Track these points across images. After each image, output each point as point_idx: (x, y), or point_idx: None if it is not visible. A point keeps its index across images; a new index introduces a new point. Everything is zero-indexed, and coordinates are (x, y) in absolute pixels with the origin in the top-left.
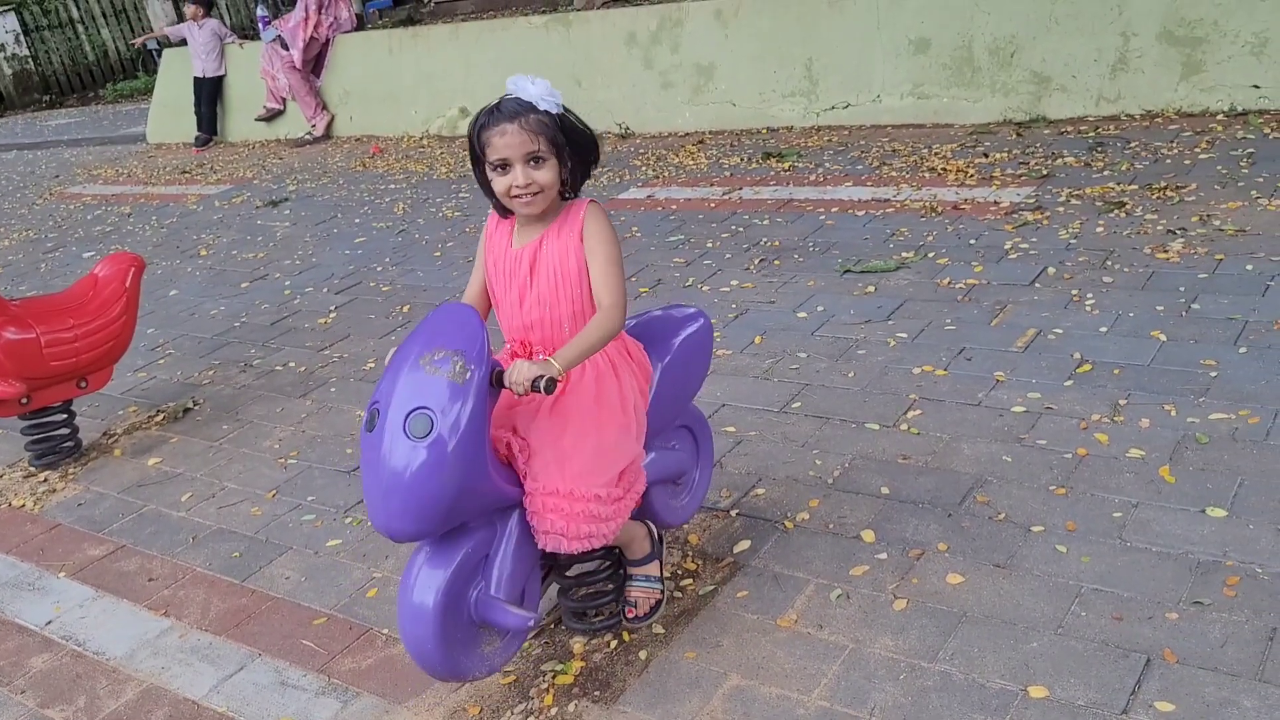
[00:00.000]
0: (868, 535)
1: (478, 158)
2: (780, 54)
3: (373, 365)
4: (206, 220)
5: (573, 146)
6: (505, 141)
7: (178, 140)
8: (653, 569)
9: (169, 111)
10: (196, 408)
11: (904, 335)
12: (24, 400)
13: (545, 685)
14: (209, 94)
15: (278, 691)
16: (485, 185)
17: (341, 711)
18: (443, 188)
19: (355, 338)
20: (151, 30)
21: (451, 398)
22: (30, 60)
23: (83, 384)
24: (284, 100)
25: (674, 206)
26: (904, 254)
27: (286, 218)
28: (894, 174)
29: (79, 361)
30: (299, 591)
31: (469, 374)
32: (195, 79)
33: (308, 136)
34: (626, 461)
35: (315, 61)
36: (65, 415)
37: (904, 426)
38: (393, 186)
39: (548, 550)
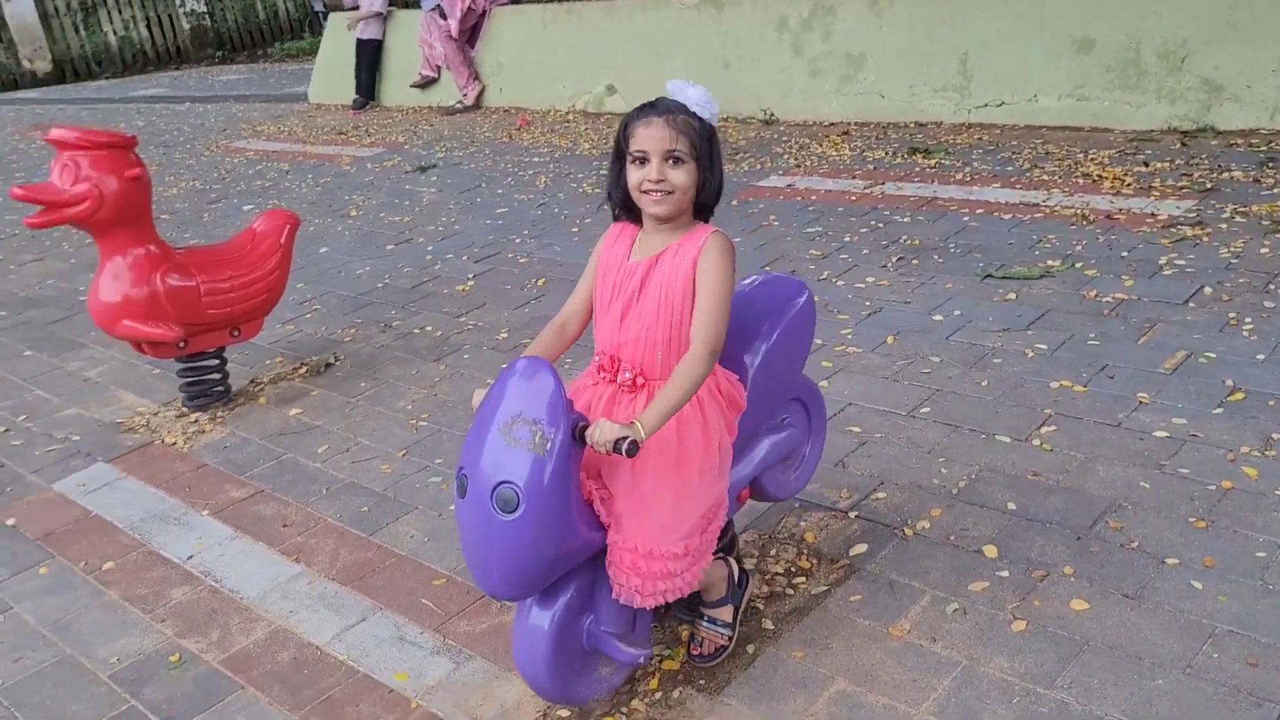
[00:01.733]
0: (990, 551)
1: (620, 153)
2: (934, 47)
3: (505, 335)
4: (358, 181)
5: (714, 161)
6: (649, 134)
7: (337, 102)
8: (725, 613)
9: (330, 73)
10: (337, 364)
11: (1043, 347)
12: (181, 344)
13: (652, 669)
14: (369, 58)
15: (395, 646)
16: (614, 183)
17: (454, 672)
18: (584, 164)
19: (491, 306)
20: None
21: (533, 470)
22: (207, 17)
23: (235, 333)
24: (438, 69)
25: (814, 197)
26: (1050, 262)
27: (433, 184)
28: (1045, 178)
29: (233, 311)
30: (421, 551)
31: (549, 443)
32: (357, 42)
33: (458, 105)
34: (708, 505)
35: (471, 32)
36: (218, 361)
37: (1036, 442)
38: (536, 160)
39: (622, 601)
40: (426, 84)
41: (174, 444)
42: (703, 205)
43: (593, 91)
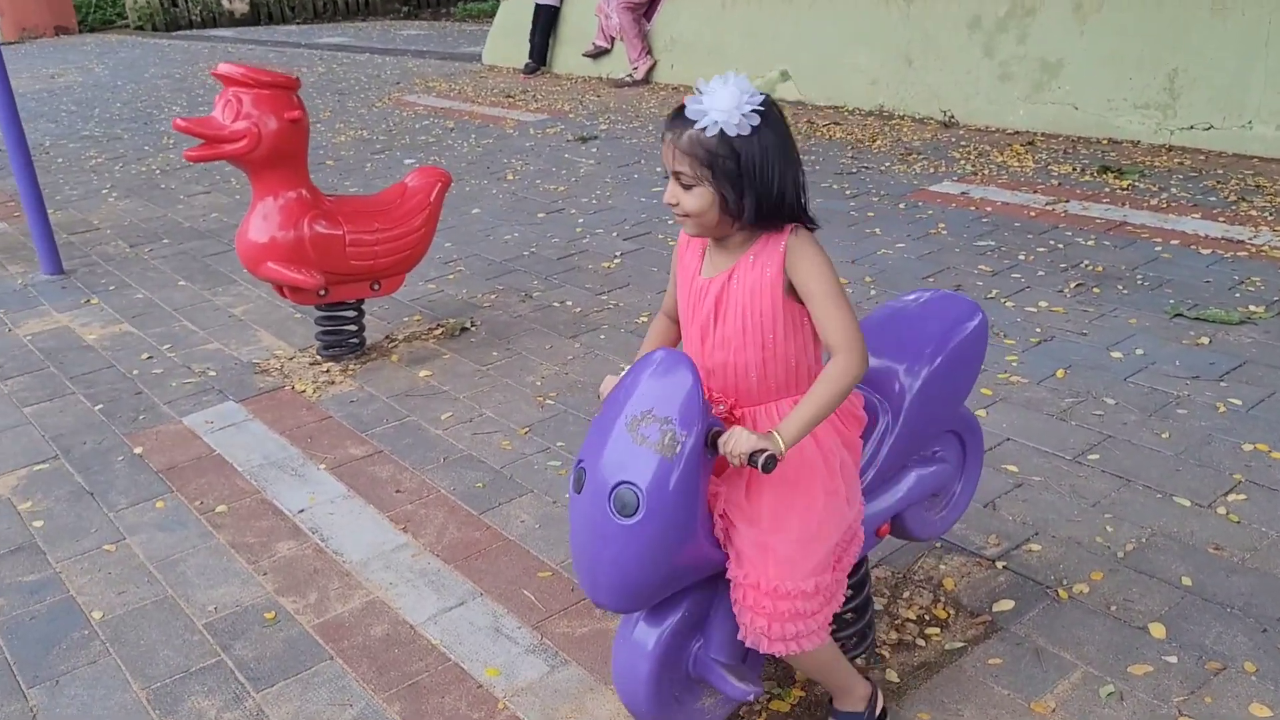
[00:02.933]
0: (1157, 630)
1: None
2: (1140, 59)
3: (645, 319)
4: (519, 146)
5: (754, 173)
6: (663, 151)
7: (509, 64)
8: None
9: (506, 35)
10: (473, 329)
11: (1237, 402)
12: (322, 292)
13: (759, 707)
14: (545, 23)
15: (490, 637)
16: None
17: (548, 676)
18: None
19: (635, 288)
20: None
21: (659, 474)
22: None
23: (376, 286)
24: (612, 40)
25: (989, 209)
26: (1252, 307)
27: (592, 155)
28: (1254, 213)
29: (376, 265)
30: (530, 538)
31: (679, 446)
32: (536, 6)
33: (627, 78)
34: (838, 536)
35: (648, 5)
36: (356, 313)
37: (1222, 510)
38: None
39: (748, 644)
40: (598, 54)
41: (303, 391)
42: (767, 217)
43: (765, 76)
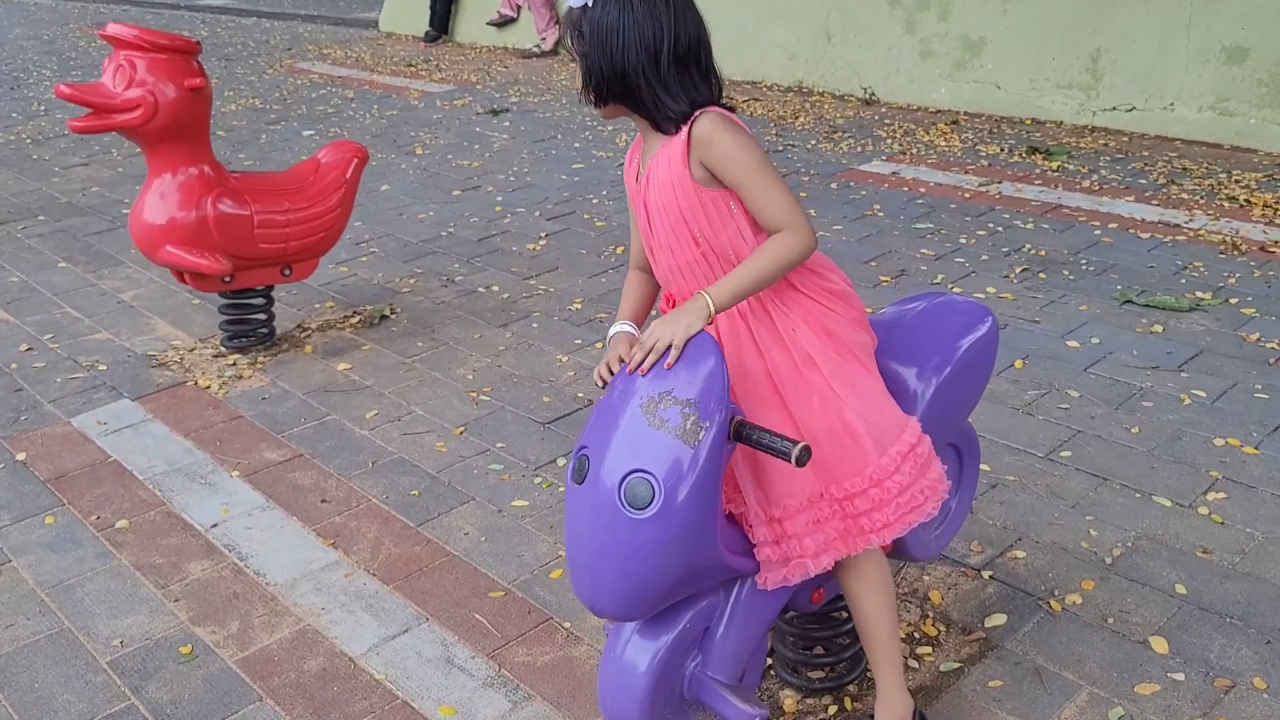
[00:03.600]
0: (1159, 644)
1: None
2: (1063, 39)
3: (579, 306)
4: (426, 118)
5: (592, 47)
6: None
7: (408, 32)
8: None
9: (404, 1)
10: (393, 317)
11: (1201, 394)
12: (227, 279)
13: None
14: None
15: (441, 670)
16: None
17: (510, 713)
18: None
19: (564, 271)
20: None
21: (679, 462)
22: None
23: (287, 271)
24: (518, 9)
25: (922, 189)
26: (1199, 293)
27: (505, 129)
28: (1185, 196)
29: (287, 248)
30: (476, 552)
31: (702, 432)
32: None
33: (535, 49)
34: (880, 422)
35: None
36: (264, 300)
37: (1204, 510)
38: None
39: (812, 573)
40: (504, 23)
41: (208, 388)
42: (615, 97)
43: None
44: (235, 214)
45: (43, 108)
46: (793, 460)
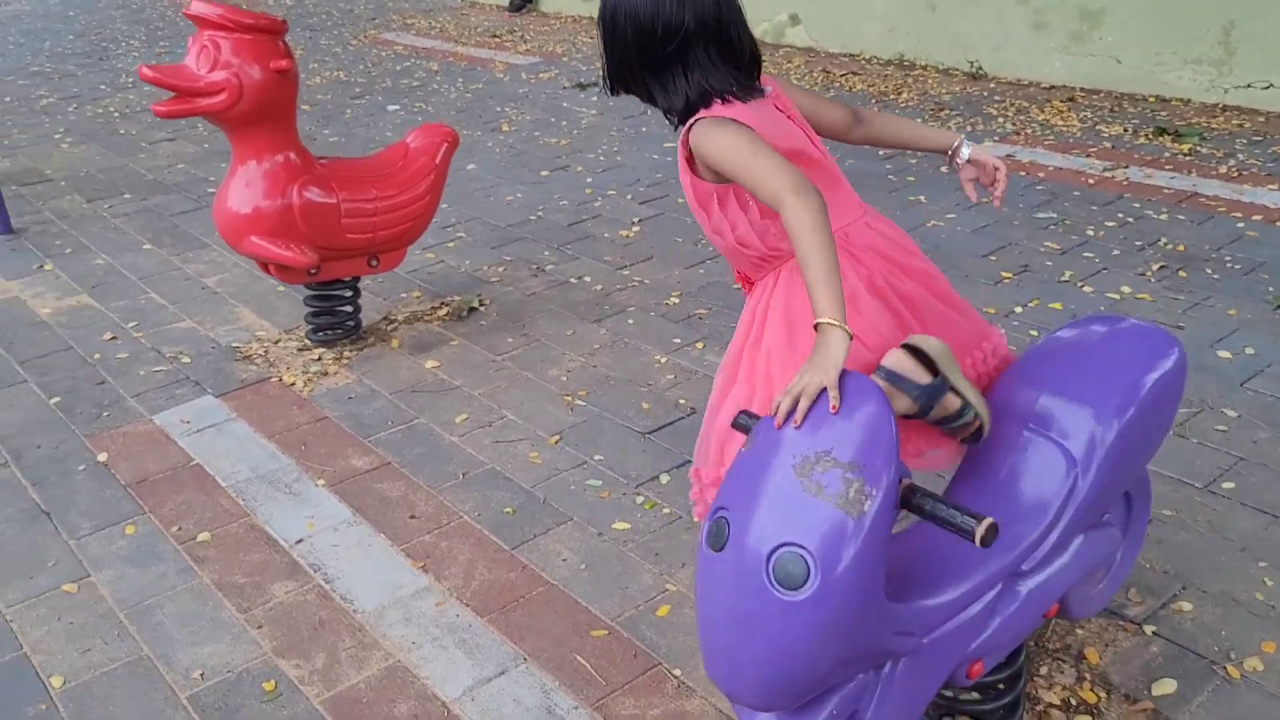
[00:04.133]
0: None
1: None
2: (1191, 9)
3: (676, 301)
4: (512, 92)
5: (603, 39)
6: None
7: (492, 1)
8: None
9: None
10: (482, 309)
11: None
12: (313, 271)
13: None
14: None
15: None
16: None
17: None
18: None
19: (658, 261)
20: None
21: (839, 536)
22: None
23: (374, 262)
24: None
25: (1041, 174)
26: None
27: (594, 105)
28: None
29: (375, 238)
30: (576, 582)
31: (867, 501)
32: None
33: None
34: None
35: None
36: (351, 293)
37: None
38: None
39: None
40: None
41: (292, 384)
42: (621, 86)
43: (773, 20)
44: (321, 203)
45: (130, 80)
46: (976, 540)
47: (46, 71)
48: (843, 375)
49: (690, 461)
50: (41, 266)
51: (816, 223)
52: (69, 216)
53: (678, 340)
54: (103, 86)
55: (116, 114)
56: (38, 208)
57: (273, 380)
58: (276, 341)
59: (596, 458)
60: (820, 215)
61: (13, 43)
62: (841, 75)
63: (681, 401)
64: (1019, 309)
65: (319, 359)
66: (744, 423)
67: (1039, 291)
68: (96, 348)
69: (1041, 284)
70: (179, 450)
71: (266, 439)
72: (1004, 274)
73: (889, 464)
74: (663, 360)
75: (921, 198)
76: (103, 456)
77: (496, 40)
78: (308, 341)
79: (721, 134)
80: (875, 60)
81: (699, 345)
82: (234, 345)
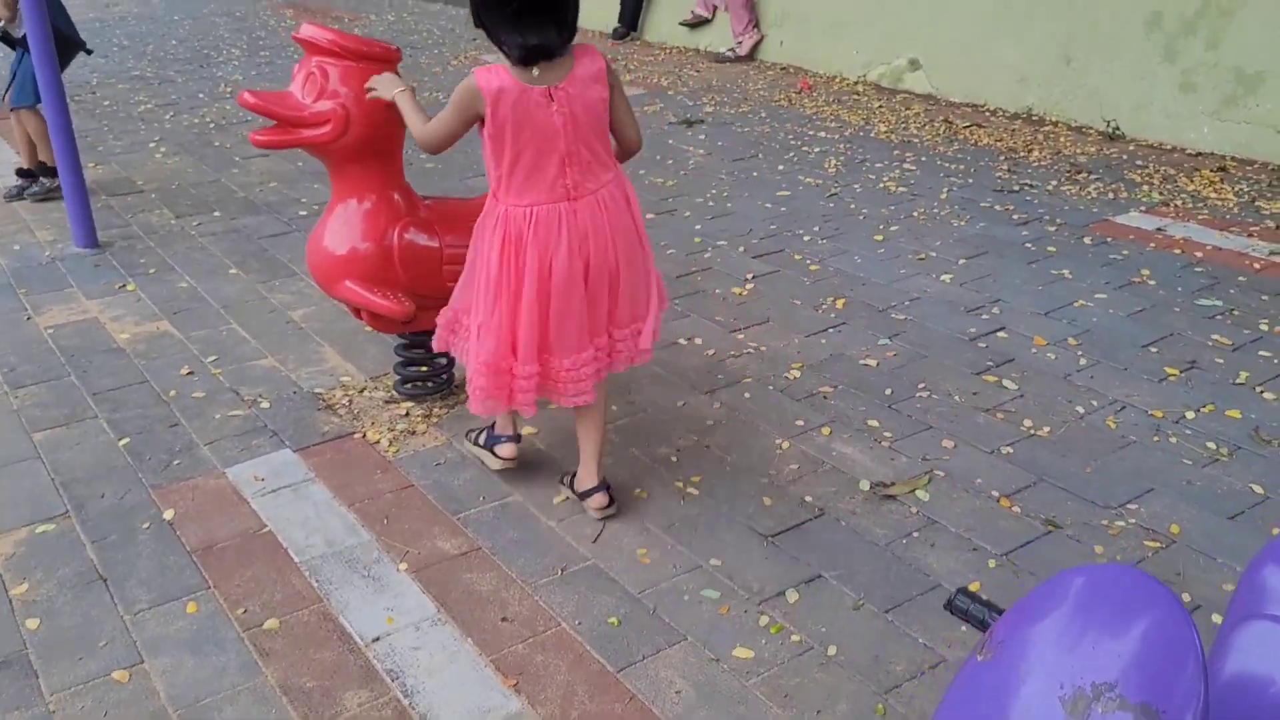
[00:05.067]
0: None
1: None
2: None
3: (797, 374)
4: None
5: None
6: None
7: (595, 28)
8: None
9: None
10: None
11: None
12: (407, 320)
13: None
14: None
15: None
16: None
17: None
18: (882, 150)
19: (776, 325)
20: None
21: None
22: None
23: None
24: (714, 9)
25: (1198, 254)
26: None
27: (701, 144)
28: None
29: None
30: None
31: None
32: None
33: (729, 53)
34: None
35: None
36: None
37: None
38: (822, 134)
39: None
40: (698, 23)
41: (377, 442)
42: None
43: (891, 64)
44: (424, 247)
45: (229, 89)
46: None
47: (147, 76)
48: (1116, 570)
49: (823, 575)
50: (124, 286)
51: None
52: (156, 233)
53: (800, 422)
54: (201, 95)
55: (212, 125)
56: (126, 220)
57: (356, 436)
58: (362, 390)
59: (713, 562)
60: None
61: (117, 45)
62: (965, 127)
63: (808, 499)
64: (1190, 414)
65: (406, 415)
66: (966, 607)
67: (1211, 394)
68: (172, 383)
69: (1213, 385)
70: (251, 513)
71: (346, 507)
72: (1169, 370)
73: (1199, 708)
74: (785, 446)
75: (1066, 272)
76: (169, 514)
77: None
78: (395, 394)
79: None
80: (1001, 112)
81: (825, 431)
82: (317, 391)
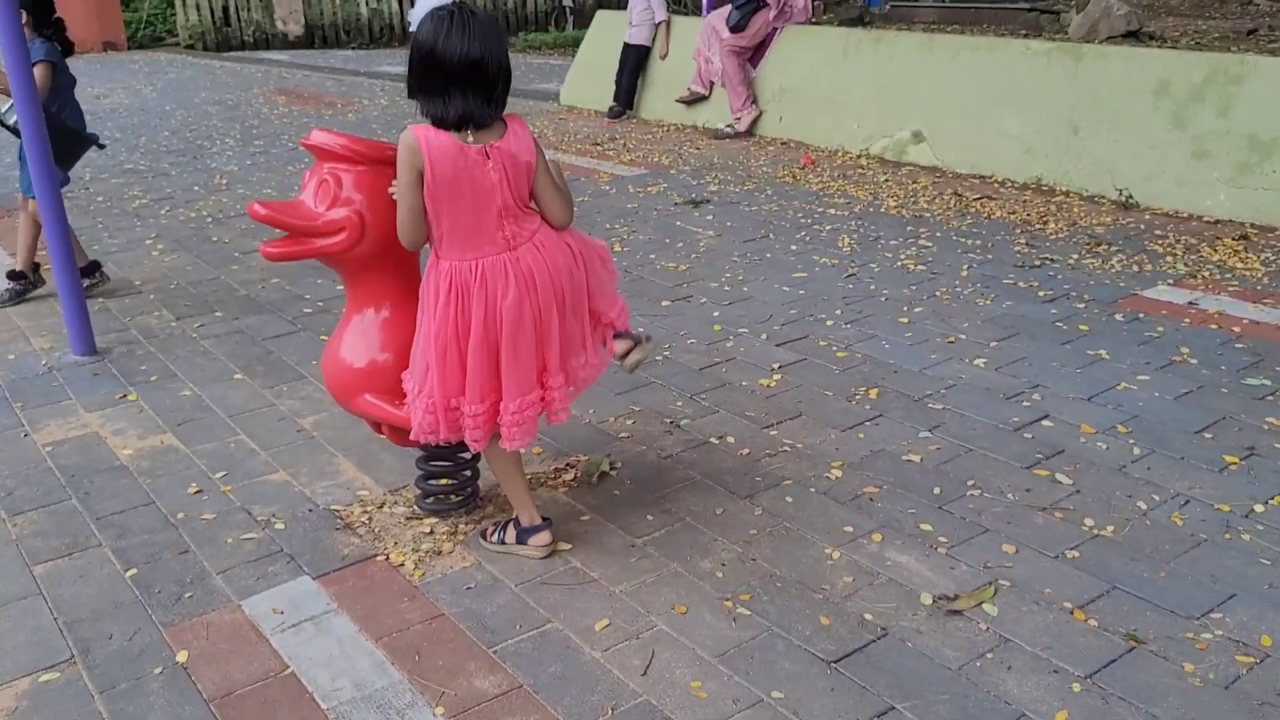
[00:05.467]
0: None
1: None
2: None
3: (839, 474)
4: (620, 207)
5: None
6: None
7: (590, 106)
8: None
9: (588, 74)
10: (614, 473)
11: None
12: None
13: None
14: (634, 64)
15: None
16: None
17: None
18: (895, 226)
19: (809, 420)
20: None
21: None
22: None
23: None
24: (710, 86)
25: (1235, 329)
26: None
27: (709, 224)
28: None
29: None
30: None
31: None
32: (625, 45)
33: (728, 129)
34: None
35: (755, 50)
36: (469, 455)
37: None
38: (831, 212)
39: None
40: (694, 100)
41: (401, 565)
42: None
43: (894, 136)
44: None
45: (224, 181)
46: None
47: (141, 170)
48: None
49: (896, 707)
50: (125, 396)
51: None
52: (156, 336)
53: (849, 529)
54: (196, 188)
55: (209, 219)
56: (125, 323)
57: (379, 559)
58: (381, 505)
59: (774, 695)
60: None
61: (109, 137)
62: (976, 199)
63: (868, 617)
64: (1259, 507)
65: (431, 532)
66: None
67: (1277, 484)
68: (180, 504)
69: (1277, 474)
70: (271, 652)
71: (373, 642)
72: (1228, 459)
73: None
74: (835, 556)
75: (1103, 352)
76: (183, 656)
77: (598, 149)
78: (417, 509)
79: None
80: (1010, 183)
81: (875, 537)
82: (333, 508)
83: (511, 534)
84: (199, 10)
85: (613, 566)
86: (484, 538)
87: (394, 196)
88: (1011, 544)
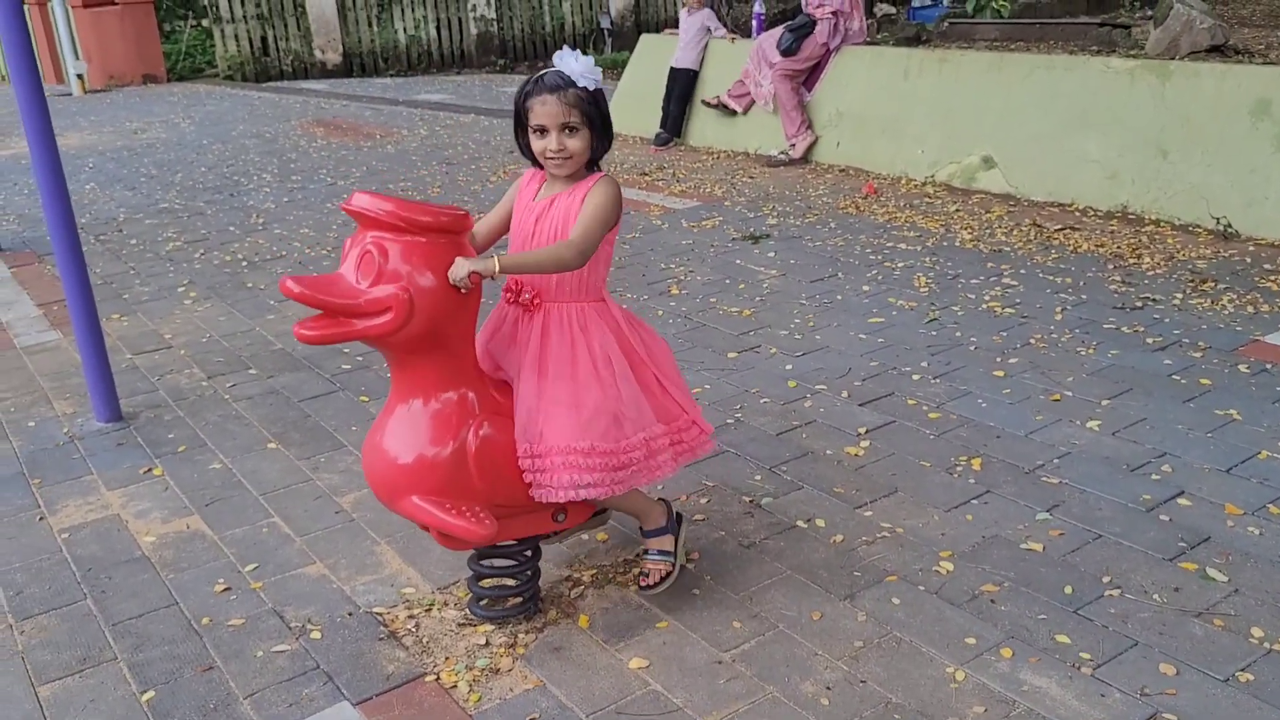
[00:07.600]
0: None
1: (522, 123)
2: None
3: (949, 566)
4: (674, 243)
5: (602, 121)
6: (545, 110)
7: (635, 134)
8: (666, 543)
9: (633, 101)
10: (692, 565)
11: None
12: (486, 542)
13: None
14: (682, 89)
15: None
16: (524, 147)
17: None
18: (973, 262)
19: (907, 497)
20: (606, 10)
21: None
22: (495, 24)
23: (560, 517)
24: (748, 107)
25: None
26: None
27: (771, 262)
28: None
29: None
30: None
31: None
32: (671, 69)
33: (782, 156)
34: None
35: (809, 73)
36: (529, 554)
37: None
38: (902, 246)
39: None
40: (719, 107)
41: (454, 686)
42: (593, 159)
43: (962, 162)
44: (501, 440)
45: (260, 221)
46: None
47: (175, 209)
48: None
49: None
50: (149, 470)
51: (553, 262)
52: (186, 398)
53: (971, 640)
54: (232, 228)
55: (245, 263)
56: (153, 383)
57: (427, 679)
58: (429, 608)
59: None
60: (558, 265)
61: (144, 174)
62: (1058, 230)
63: None
64: None
65: (486, 644)
66: None
67: None
68: (205, 606)
69: None
70: None
71: None
72: None
73: None
74: (959, 677)
75: (1234, 413)
76: None
77: (647, 178)
78: (470, 614)
79: (608, 195)
80: (1093, 212)
81: (1005, 652)
82: (376, 611)
83: (670, 541)
84: (237, 41)
85: (699, 691)
86: (650, 588)
87: (458, 281)
88: (1170, 662)
